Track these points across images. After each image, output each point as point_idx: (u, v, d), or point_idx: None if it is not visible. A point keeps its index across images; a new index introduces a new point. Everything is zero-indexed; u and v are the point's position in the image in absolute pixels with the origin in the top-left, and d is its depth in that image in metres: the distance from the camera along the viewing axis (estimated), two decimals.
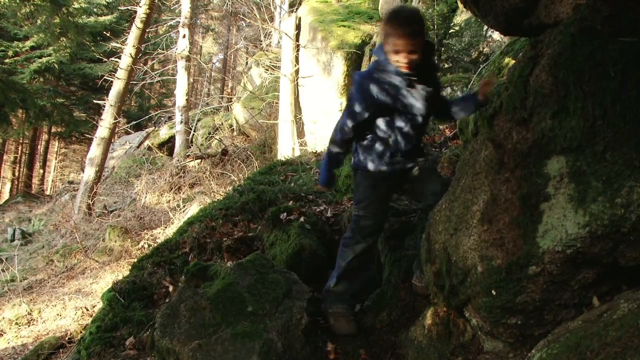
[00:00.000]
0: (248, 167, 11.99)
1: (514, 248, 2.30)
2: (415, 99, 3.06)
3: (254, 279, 3.03)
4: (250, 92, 16.29)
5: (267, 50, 17.64)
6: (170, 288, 3.77)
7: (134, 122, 19.70)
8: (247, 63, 22.98)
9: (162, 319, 2.79)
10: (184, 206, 11.25)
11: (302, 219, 4.07)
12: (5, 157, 29.44)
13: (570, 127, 2.15)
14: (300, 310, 2.96)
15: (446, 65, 9.87)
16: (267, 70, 14.85)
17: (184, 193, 12.80)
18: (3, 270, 11.74)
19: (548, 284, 2.26)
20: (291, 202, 4.55)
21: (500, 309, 2.42)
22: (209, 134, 17.53)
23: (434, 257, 2.77)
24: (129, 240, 11.19)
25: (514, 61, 3.64)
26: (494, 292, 2.41)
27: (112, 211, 13.67)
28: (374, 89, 3.04)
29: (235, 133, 16.42)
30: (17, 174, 29.65)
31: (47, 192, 26.78)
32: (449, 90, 8.37)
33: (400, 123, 3.11)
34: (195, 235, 4.23)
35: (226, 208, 4.68)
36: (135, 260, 4.45)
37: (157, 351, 2.74)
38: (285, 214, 4.14)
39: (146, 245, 10.72)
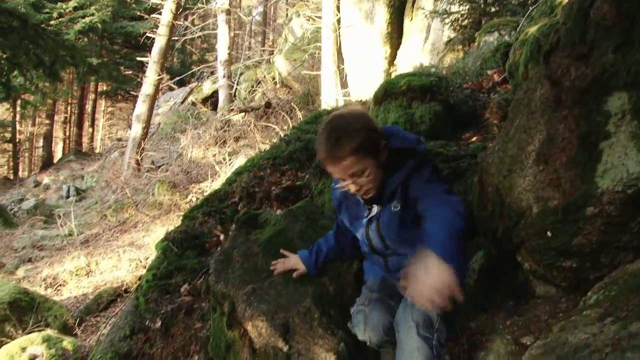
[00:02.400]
0: (292, 119, 11.98)
1: (571, 188, 2.24)
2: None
3: (305, 225, 3.06)
4: (292, 43, 16.13)
5: (307, 1, 17.36)
6: (221, 237, 3.84)
7: (177, 78, 19.84)
8: (287, 14, 22.70)
9: (215, 264, 2.85)
10: (229, 159, 11.37)
11: None
12: (56, 117, 30.17)
13: (634, 61, 2.05)
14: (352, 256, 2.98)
15: (492, 9, 9.53)
16: (308, 20, 14.64)
17: (229, 146, 12.92)
18: (61, 226, 12.21)
19: (606, 226, 2.20)
20: None
21: (555, 251, 2.37)
22: (252, 87, 17.53)
23: (486, 200, 2.73)
24: (177, 194, 11.43)
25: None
26: (549, 234, 2.36)
27: (159, 166, 13.94)
28: None
29: (278, 85, 16.37)
30: (67, 133, 30.43)
31: (97, 150, 27.47)
32: (496, 35, 8.09)
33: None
34: (244, 184, 4.27)
35: (273, 158, 4.70)
36: (186, 210, 4.54)
37: (212, 295, 2.81)
38: None
39: (194, 199, 10.93)
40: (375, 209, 2.44)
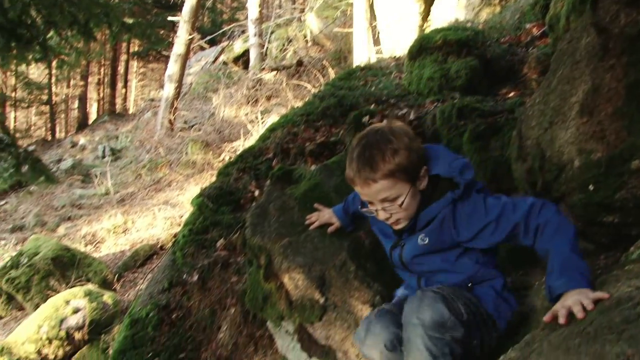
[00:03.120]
0: (324, 77, 11.88)
1: (616, 140, 2.17)
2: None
3: (340, 180, 3.04)
4: (323, 1, 15.88)
5: None
6: (256, 192, 3.87)
7: (208, 38, 19.77)
8: None
9: (252, 218, 2.87)
10: (262, 118, 11.37)
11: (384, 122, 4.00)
12: (90, 79, 30.50)
13: None
14: None
15: None
16: None
17: (261, 105, 12.91)
18: (98, 185, 12.47)
19: None
20: (373, 105, 4.47)
21: (597, 206, 2.31)
22: (283, 45, 17.37)
23: (525, 154, 2.67)
24: (210, 153, 11.52)
25: None
26: (591, 188, 2.30)
27: (192, 126, 14.04)
28: None
29: (309, 44, 16.18)
30: (101, 94, 30.78)
31: (130, 111, 27.77)
32: None
33: None
34: (278, 141, 4.27)
35: (307, 114, 4.68)
36: (221, 167, 4.57)
37: (248, 249, 2.85)
38: (367, 117, 4.09)
39: (227, 158, 11.00)
40: (403, 237, 2.17)
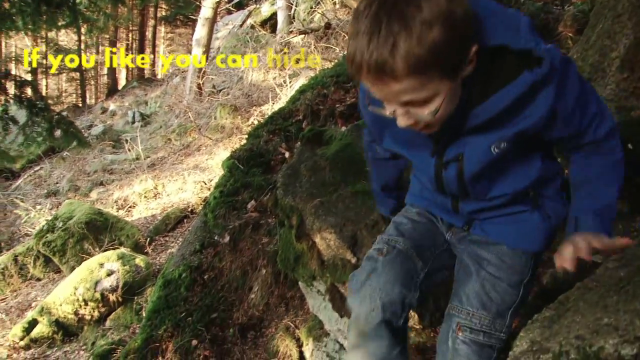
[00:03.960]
0: None
1: None
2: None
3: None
4: None
5: None
6: (286, 154, 3.86)
7: (236, 1, 19.60)
8: None
9: (283, 178, 2.87)
10: (290, 82, 11.30)
11: None
12: (118, 45, 30.61)
13: None
14: None
15: None
16: None
17: (289, 69, 12.82)
18: (129, 150, 12.60)
19: None
20: None
21: (635, 165, 2.24)
22: (311, 8, 17.12)
23: None
24: (239, 117, 11.52)
25: None
26: (630, 147, 2.23)
27: (220, 90, 14.02)
28: None
29: (337, 6, 15.93)
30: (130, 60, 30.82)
31: (159, 76, 27.85)
32: None
33: None
34: (308, 102, 4.23)
35: (337, 75, 4.62)
36: (251, 129, 4.56)
37: (280, 209, 2.84)
38: None
39: (255, 122, 11.00)
40: (447, 142, 1.49)
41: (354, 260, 2.51)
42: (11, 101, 4.28)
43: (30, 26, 4.68)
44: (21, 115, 4.40)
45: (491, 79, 1.32)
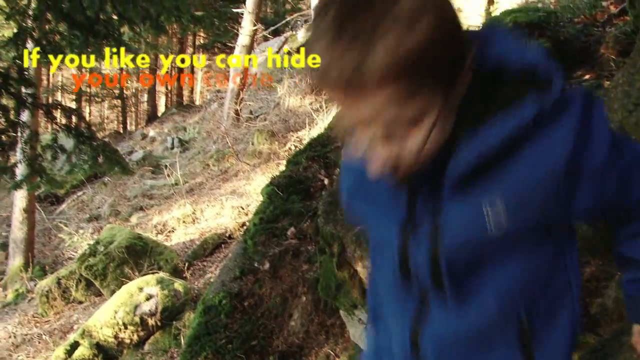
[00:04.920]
0: None
1: None
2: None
3: None
4: None
5: None
6: (326, 181, 3.87)
7: (272, 28, 19.91)
8: None
9: (324, 206, 2.87)
10: (326, 107, 11.37)
11: None
12: (157, 72, 31.37)
13: None
14: None
15: None
16: None
17: (325, 94, 12.89)
18: (168, 175, 12.83)
19: None
20: None
21: None
22: None
23: None
24: (276, 142, 11.62)
25: None
26: None
27: (257, 116, 14.20)
28: None
29: None
30: (169, 87, 31.53)
31: (197, 102, 28.37)
32: None
33: None
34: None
35: None
36: (290, 156, 4.60)
37: (321, 237, 2.85)
38: None
39: (292, 147, 11.08)
40: (422, 204, 1.03)
41: None
42: (60, 130, 4.44)
43: (79, 57, 4.86)
44: (68, 143, 4.56)
45: (483, 108, 0.93)
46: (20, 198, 11.24)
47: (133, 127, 29.26)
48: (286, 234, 3.61)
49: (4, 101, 4.20)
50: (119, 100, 28.47)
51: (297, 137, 11.39)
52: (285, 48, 19.94)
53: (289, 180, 3.98)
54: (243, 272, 3.65)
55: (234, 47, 15.88)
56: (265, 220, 3.74)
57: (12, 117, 4.23)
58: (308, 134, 10.93)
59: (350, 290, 2.66)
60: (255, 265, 3.61)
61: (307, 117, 11.90)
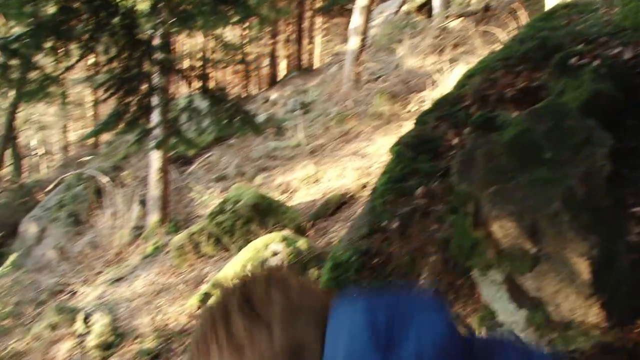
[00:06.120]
0: (515, 21, 11.17)
1: None
2: None
3: (549, 126, 2.86)
4: None
5: None
6: (455, 140, 3.79)
7: None
8: None
9: (458, 165, 2.82)
10: (448, 67, 11.06)
11: (595, 62, 3.66)
12: (277, 37, 31.88)
13: None
14: (602, 158, 2.73)
15: None
16: None
17: (447, 54, 12.55)
18: (290, 137, 13.15)
19: None
20: (580, 45, 4.10)
21: None
22: None
23: None
24: (397, 104, 11.51)
25: None
26: None
27: (378, 77, 14.10)
28: None
29: None
30: (289, 51, 32.05)
31: (316, 66, 28.64)
32: None
33: None
34: (476, 87, 4.12)
35: (506, 59, 4.43)
36: (418, 115, 4.54)
37: (455, 196, 2.81)
38: (575, 58, 3.77)
39: (413, 109, 10.93)
40: None
41: (533, 251, 2.41)
42: (195, 93, 4.67)
43: (209, 24, 5.04)
44: (202, 105, 4.78)
45: None
46: (155, 159, 12.00)
47: (255, 91, 30.16)
48: (415, 193, 3.58)
49: (146, 68, 4.46)
50: (241, 65, 29.34)
51: (418, 98, 11.21)
52: (405, 8, 19.54)
53: (417, 140, 3.93)
54: (371, 230, 3.69)
55: (352, 9, 15.75)
56: (393, 179, 3.73)
57: (153, 82, 4.49)
58: (429, 95, 10.71)
59: (484, 250, 2.61)
60: (384, 224, 3.63)
61: (428, 78, 11.66)
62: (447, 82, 10.30)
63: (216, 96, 4.47)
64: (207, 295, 7.83)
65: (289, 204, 9.84)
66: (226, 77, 33.83)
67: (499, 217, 2.48)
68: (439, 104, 4.32)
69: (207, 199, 11.28)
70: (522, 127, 2.87)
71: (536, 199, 2.48)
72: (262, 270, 0.89)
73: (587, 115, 3.29)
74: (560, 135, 2.80)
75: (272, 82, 26.27)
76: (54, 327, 8.68)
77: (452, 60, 11.70)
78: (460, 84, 4.49)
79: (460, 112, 4.03)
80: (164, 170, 12.05)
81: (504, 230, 2.47)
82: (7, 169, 19.83)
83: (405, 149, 3.86)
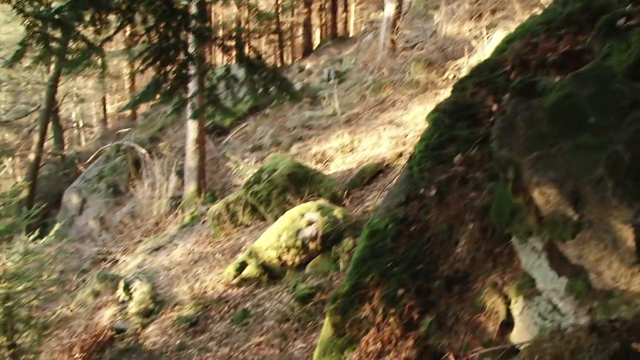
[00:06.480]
0: None
1: None
2: None
3: (594, 90, 2.77)
4: None
5: None
6: (494, 107, 3.71)
7: None
8: None
9: (498, 131, 2.77)
10: (487, 33, 10.82)
11: None
12: (312, 6, 31.59)
13: None
14: None
15: None
16: None
17: (485, 20, 12.27)
18: (325, 107, 13.13)
19: None
20: (629, 6, 3.94)
21: None
22: None
23: None
24: (434, 71, 11.34)
25: None
26: None
27: (414, 45, 13.89)
28: None
29: None
30: (323, 20, 31.73)
31: (351, 34, 28.35)
32: None
33: None
34: (516, 52, 4.01)
35: (548, 22, 4.29)
36: (455, 82, 4.46)
37: (495, 162, 2.77)
38: (622, 20, 3.63)
39: (451, 76, 10.75)
40: None
41: (575, 217, 2.37)
42: (232, 61, 4.68)
43: None
44: (239, 74, 4.79)
45: None
46: (192, 130, 12.14)
47: (290, 61, 30.06)
48: (453, 160, 3.54)
49: (183, 37, 4.48)
50: (275, 35, 29.22)
51: (455, 66, 11.03)
52: None
53: (455, 107, 3.86)
54: (408, 198, 3.67)
55: None
56: (431, 146, 3.69)
57: (189, 51, 4.50)
58: (467, 62, 10.52)
59: (525, 217, 2.57)
60: (421, 191, 3.61)
61: (465, 45, 11.44)
62: (485, 48, 10.08)
63: (253, 63, 4.47)
64: (243, 264, 7.96)
65: (325, 173, 9.87)
66: (261, 48, 33.69)
67: (540, 184, 2.43)
68: (478, 70, 4.22)
69: (243, 168, 11.39)
70: (565, 91, 2.79)
71: (579, 165, 2.42)
72: None
73: (634, 78, 3.17)
74: (605, 100, 2.71)
75: (307, 51, 26.12)
76: (97, 294, 8.98)
77: (490, 26, 11.44)
78: (500, 50, 4.37)
79: (500, 77, 3.94)
80: (200, 141, 12.20)
81: (545, 196, 2.43)
82: (50, 142, 20.31)
83: (442, 116, 3.80)
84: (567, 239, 2.42)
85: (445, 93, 9.19)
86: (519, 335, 2.82)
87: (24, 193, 13.55)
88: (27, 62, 4.76)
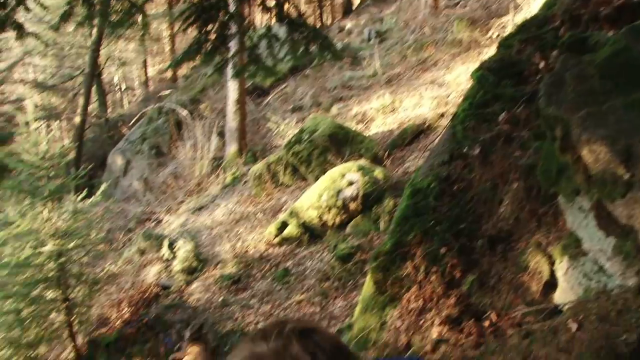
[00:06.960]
0: None
1: None
2: None
3: None
4: None
5: None
6: (541, 64, 3.61)
7: None
8: None
9: (546, 88, 2.70)
10: None
11: None
12: None
13: None
14: None
15: None
16: None
17: None
18: (366, 67, 12.97)
19: None
20: None
21: None
22: None
23: None
24: (477, 30, 11.06)
25: None
26: None
27: (457, 3, 13.53)
28: None
29: None
30: None
31: None
32: None
33: None
34: (566, 7, 3.87)
35: None
36: (501, 39, 4.34)
37: (542, 119, 2.71)
38: None
39: (495, 35, 10.47)
40: None
41: (626, 177, 2.31)
42: (274, 19, 4.66)
43: None
44: (281, 32, 4.76)
45: None
46: (232, 91, 12.17)
47: (329, 21, 29.68)
48: (497, 119, 3.47)
49: None
50: None
51: (499, 24, 10.72)
52: None
53: (501, 64, 3.77)
54: (452, 156, 3.63)
55: None
56: (475, 105, 3.63)
57: (231, 10, 4.49)
58: (512, 20, 10.21)
59: (573, 175, 2.52)
60: (465, 150, 3.56)
61: (510, 2, 11.08)
62: (531, 5, 9.76)
63: (294, 22, 4.43)
64: (284, 224, 8.06)
65: (365, 133, 9.82)
66: (300, 8, 33.21)
67: (590, 141, 2.37)
68: (525, 26, 4.10)
69: (284, 129, 11.41)
70: (619, 46, 2.69)
71: (632, 123, 2.35)
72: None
73: None
74: None
75: (347, 11, 25.69)
76: (142, 252, 9.24)
77: None
78: (548, 5, 4.23)
79: (548, 33, 3.81)
80: (241, 102, 12.23)
81: (594, 154, 2.37)
82: (94, 105, 20.68)
83: (487, 74, 3.72)
84: (616, 198, 2.36)
85: (489, 52, 8.96)
86: (562, 296, 2.80)
87: (71, 155, 13.86)
88: (71, 26, 4.82)
